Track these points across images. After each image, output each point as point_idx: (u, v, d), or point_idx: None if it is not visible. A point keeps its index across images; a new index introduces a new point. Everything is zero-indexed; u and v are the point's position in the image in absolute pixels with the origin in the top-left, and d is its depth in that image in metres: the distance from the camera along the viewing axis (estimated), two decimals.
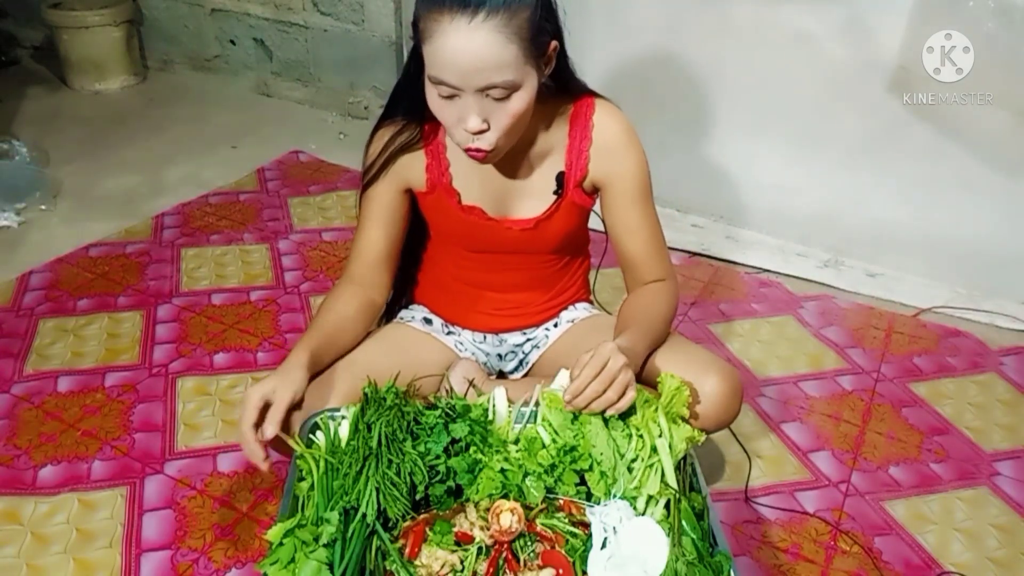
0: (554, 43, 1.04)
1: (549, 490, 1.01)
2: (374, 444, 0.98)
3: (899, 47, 1.89)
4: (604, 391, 0.97)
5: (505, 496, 1.00)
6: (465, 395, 1.13)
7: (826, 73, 2.01)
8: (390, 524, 0.96)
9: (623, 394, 0.98)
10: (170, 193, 2.42)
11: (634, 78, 2.25)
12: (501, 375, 1.38)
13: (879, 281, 2.11)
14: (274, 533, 0.92)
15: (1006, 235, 1.97)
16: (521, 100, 1.00)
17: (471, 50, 0.94)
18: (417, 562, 0.92)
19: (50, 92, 3.13)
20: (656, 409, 1.03)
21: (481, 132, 1.01)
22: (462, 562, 0.93)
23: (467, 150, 1.04)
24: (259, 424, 1.02)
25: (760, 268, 2.17)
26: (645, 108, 2.31)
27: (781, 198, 2.20)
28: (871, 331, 1.93)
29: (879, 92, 1.96)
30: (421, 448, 0.99)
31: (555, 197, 1.19)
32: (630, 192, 1.19)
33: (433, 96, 1.01)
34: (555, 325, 1.34)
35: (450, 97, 0.99)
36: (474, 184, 1.19)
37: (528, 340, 1.35)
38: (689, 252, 2.22)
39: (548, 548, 0.95)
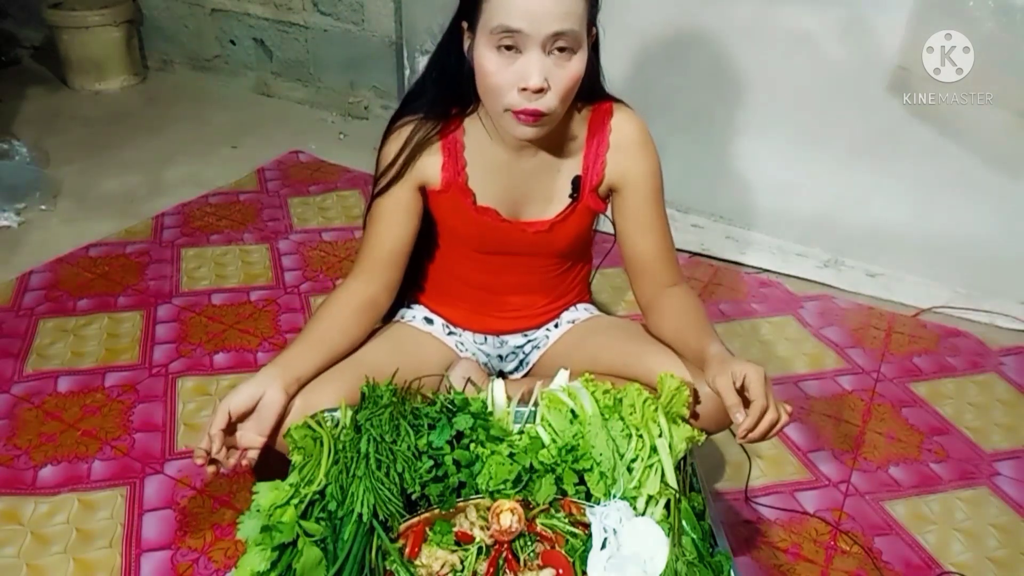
0: (595, 29, 1.07)
1: None
2: (363, 446, 0.98)
3: (899, 47, 1.89)
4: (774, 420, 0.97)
5: (518, 481, 0.99)
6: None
7: (826, 73, 2.01)
8: (387, 524, 0.96)
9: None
10: (170, 193, 2.42)
11: (634, 78, 2.25)
12: (501, 375, 1.38)
13: (879, 281, 2.11)
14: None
15: (1006, 235, 1.97)
16: (579, 63, 1.02)
17: None
18: (417, 562, 0.92)
19: (50, 92, 3.12)
20: (656, 409, 1.03)
21: (540, 91, 1.00)
22: (462, 562, 0.93)
23: (520, 112, 1.02)
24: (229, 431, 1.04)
25: (760, 268, 2.17)
26: (645, 108, 2.29)
27: (781, 198, 2.20)
28: (871, 331, 1.93)
29: (879, 92, 1.96)
30: (423, 441, 0.99)
31: (570, 201, 1.19)
32: (644, 193, 1.19)
33: (490, 58, 1.01)
34: (555, 326, 1.34)
35: (511, 52, 0.99)
36: (489, 185, 1.18)
37: (528, 341, 1.35)
38: (689, 252, 2.22)
39: (548, 548, 0.95)
